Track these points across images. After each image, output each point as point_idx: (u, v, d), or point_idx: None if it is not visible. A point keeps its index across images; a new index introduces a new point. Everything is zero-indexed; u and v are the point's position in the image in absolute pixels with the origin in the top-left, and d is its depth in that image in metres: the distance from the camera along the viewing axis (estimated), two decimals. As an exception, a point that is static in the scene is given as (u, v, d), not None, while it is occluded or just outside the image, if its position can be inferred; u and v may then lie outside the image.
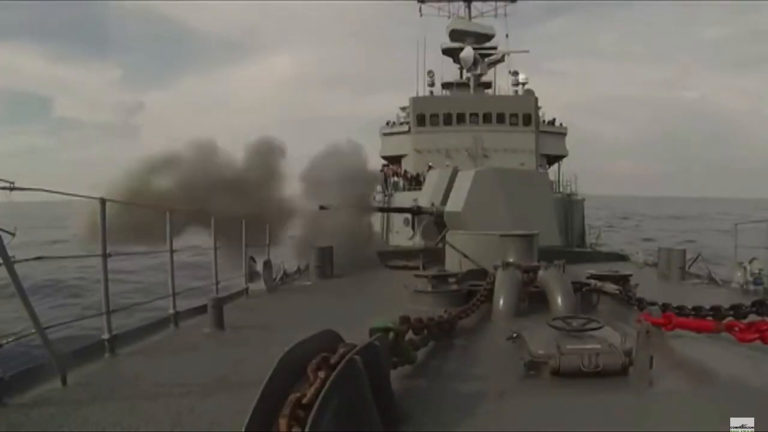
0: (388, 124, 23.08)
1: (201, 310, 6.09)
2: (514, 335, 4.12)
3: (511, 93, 23.52)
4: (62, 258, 5.59)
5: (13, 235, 3.11)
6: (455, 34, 23.34)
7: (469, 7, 24.64)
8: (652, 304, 5.17)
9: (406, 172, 20.13)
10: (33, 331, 3.50)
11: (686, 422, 2.92)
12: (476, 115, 20.53)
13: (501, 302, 6.01)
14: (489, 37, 23.44)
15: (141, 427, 2.90)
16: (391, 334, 3.43)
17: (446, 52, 24.07)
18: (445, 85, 24.23)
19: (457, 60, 23.53)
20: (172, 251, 5.91)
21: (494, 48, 23.55)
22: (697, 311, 4.81)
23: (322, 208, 11.31)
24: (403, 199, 16.50)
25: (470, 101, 21.28)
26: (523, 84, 23.61)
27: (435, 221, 11.95)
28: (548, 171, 21.33)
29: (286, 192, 12.06)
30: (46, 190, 3.81)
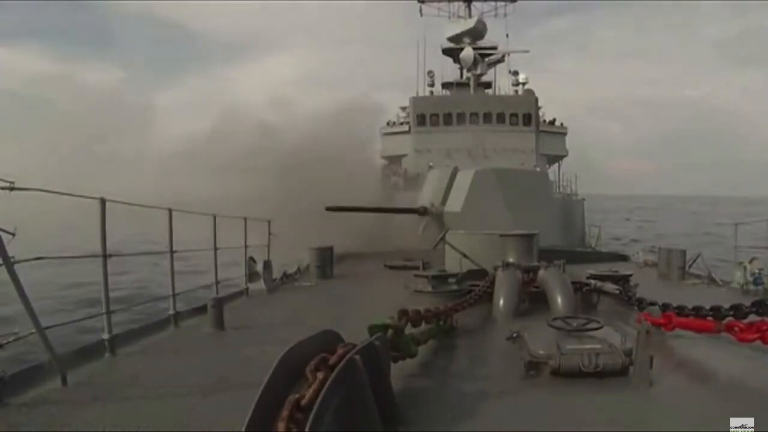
0: (388, 124, 23.08)
1: (201, 310, 6.09)
2: (514, 335, 4.12)
3: (511, 93, 23.53)
4: (62, 258, 5.56)
5: (13, 235, 3.11)
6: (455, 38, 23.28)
7: (469, 7, 24.66)
8: (652, 304, 5.16)
9: (406, 171, 20.14)
10: (33, 331, 3.50)
11: (686, 422, 2.92)
12: (476, 114, 20.53)
13: (501, 302, 6.00)
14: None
15: (141, 427, 2.90)
16: (390, 331, 3.43)
17: (446, 52, 24.08)
18: (445, 85, 24.25)
19: (457, 60, 23.53)
20: (172, 251, 5.91)
21: (494, 48, 23.56)
22: (697, 311, 4.80)
23: (329, 209, 11.19)
24: (404, 199, 16.48)
25: (470, 101, 21.28)
26: (524, 84, 23.62)
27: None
28: (548, 171, 21.33)
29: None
30: (46, 191, 3.81)
